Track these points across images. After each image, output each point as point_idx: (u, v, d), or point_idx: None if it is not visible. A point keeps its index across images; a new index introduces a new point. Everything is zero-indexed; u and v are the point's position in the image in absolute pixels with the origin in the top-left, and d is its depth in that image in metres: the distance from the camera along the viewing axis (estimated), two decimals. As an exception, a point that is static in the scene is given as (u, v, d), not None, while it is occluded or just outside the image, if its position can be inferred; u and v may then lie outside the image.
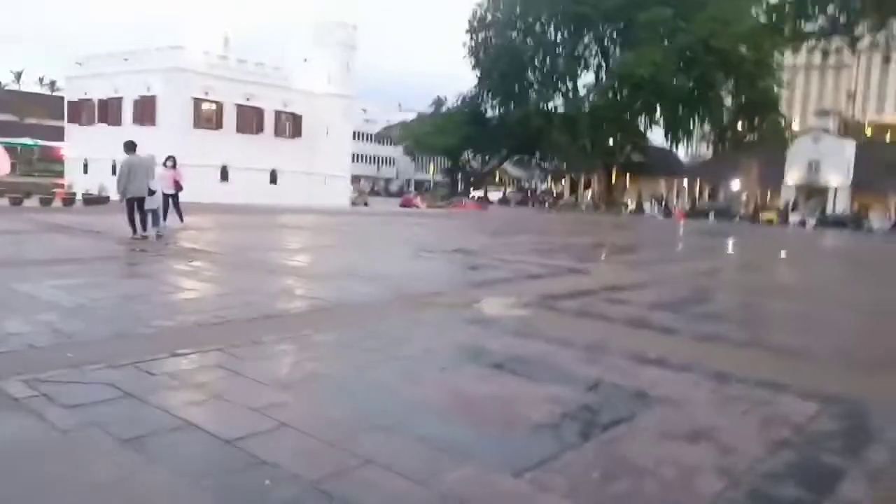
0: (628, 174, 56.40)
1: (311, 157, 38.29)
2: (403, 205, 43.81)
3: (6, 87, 69.65)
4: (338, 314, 6.69)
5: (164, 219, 14.00)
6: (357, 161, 51.94)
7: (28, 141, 58.11)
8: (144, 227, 12.74)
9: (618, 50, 52.75)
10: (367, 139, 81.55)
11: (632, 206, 52.17)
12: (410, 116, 75.79)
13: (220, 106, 35.45)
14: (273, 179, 37.54)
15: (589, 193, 58.24)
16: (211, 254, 11.64)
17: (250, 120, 36.75)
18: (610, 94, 50.61)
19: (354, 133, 48.01)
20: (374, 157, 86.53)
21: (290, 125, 38.53)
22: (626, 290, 9.46)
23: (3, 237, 12.51)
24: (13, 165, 59.44)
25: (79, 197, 24.71)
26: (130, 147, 12.68)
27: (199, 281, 8.64)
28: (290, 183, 37.21)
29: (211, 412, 3.67)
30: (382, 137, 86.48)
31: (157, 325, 5.77)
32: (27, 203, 22.37)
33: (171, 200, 14.99)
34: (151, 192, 12.84)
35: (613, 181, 56.47)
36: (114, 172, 12.63)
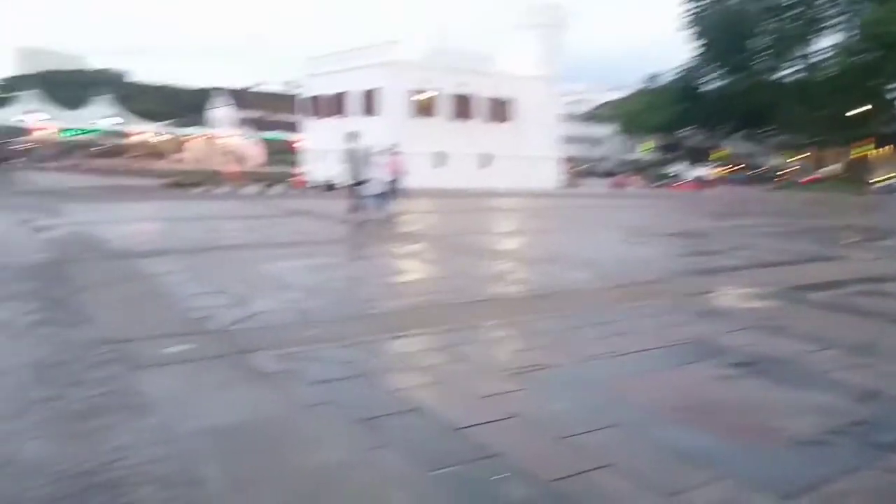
0: (877, 147, 48.90)
1: (521, 141, 38.49)
2: (616, 186, 42.37)
3: (259, 90, 79.42)
4: (554, 301, 6.48)
5: (386, 204, 14.84)
6: (567, 142, 51.14)
7: (273, 134, 65.89)
8: (363, 211, 13.66)
9: (862, 6, 45.62)
10: (576, 119, 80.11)
11: (882, 182, 45.18)
12: (621, 95, 72.98)
13: (435, 96, 36.98)
14: (484, 163, 38.37)
15: (828, 169, 51.58)
16: (428, 237, 12.08)
17: (463, 107, 37.89)
18: (854, 58, 44.06)
19: (564, 114, 47.34)
20: (585, 138, 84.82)
21: (500, 110, 39.04)
22: (888, 282, 8.08)
23: (253, 221, 14.13)
24: (261, 156, 67.68)
25: (314, 184, 27.30)
26: (352, 137, 13.70)
27: (417, 263, 8.97)
28: (501, 167, 37.76)
29: (438, 396, 3.66)
30: (593, 117, 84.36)
31: (382, 305, 6.02)
32: (273, 190, 25.25)
33: (391, 186, 15.87)
34: (368, 180, 13.72)
35: (859, 155, 49.35)
36: (345, 161, 13.58)
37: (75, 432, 3.09)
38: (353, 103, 38.11)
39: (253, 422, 3.32)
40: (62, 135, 62.89)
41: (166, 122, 73.55)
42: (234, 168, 30.85)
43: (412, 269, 8.51)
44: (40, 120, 65.23)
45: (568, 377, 4.08)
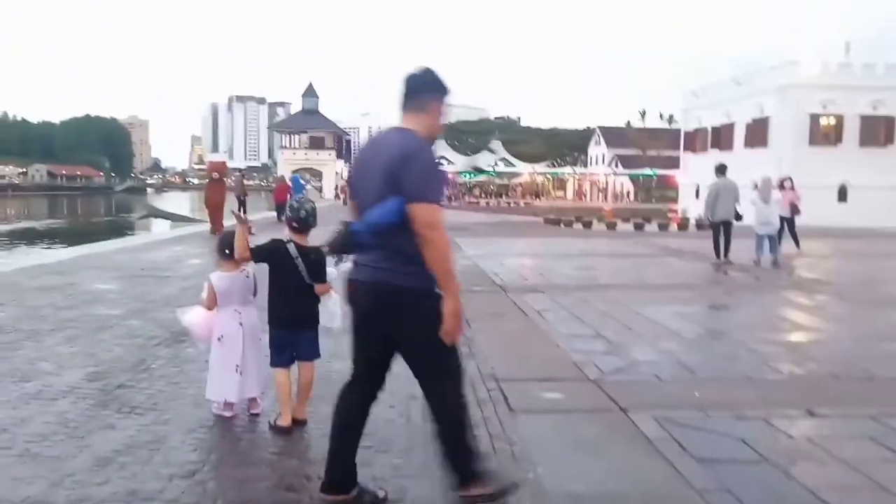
0: None
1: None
2: None
3: (634, 126, 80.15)
4: None
5: (778, 245, 13.11)
6: None
7: (647, 171, 65.34)
8: (727, 253, 12.30)
9: None
10: None
11: None
12: None
13: (839, 119, 32.15)
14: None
15: None
16: (833, 286, 10.21)
17: (876, 131, 32.11)
18: None
19: None
20: None
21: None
22: None
23: (628, 260, 13.83)
24: (634, 193, 67.63)
25: (692, 221, 25.95)
26: (721, 170, 12.54)
27: (824, 320, 7.53)
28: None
29: (875, 511, 2.78)
30: None
31: (783, 369, 5.08)
32: (647, 228, 24.74)
33: (786, 224, 14.00)
34: (738, 217, 12.33)
35: None
36: (714, 197, 12.49)
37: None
38: (737, 134, 35.46)
39: (636, 496, 2.93)
40: (462, 177, 72.33)
41: (548, 162, 78.99)
42: (609, 205, 31.30)
43: (818, 325, 7.17)
44: (447, 165, 76.29)
45: None
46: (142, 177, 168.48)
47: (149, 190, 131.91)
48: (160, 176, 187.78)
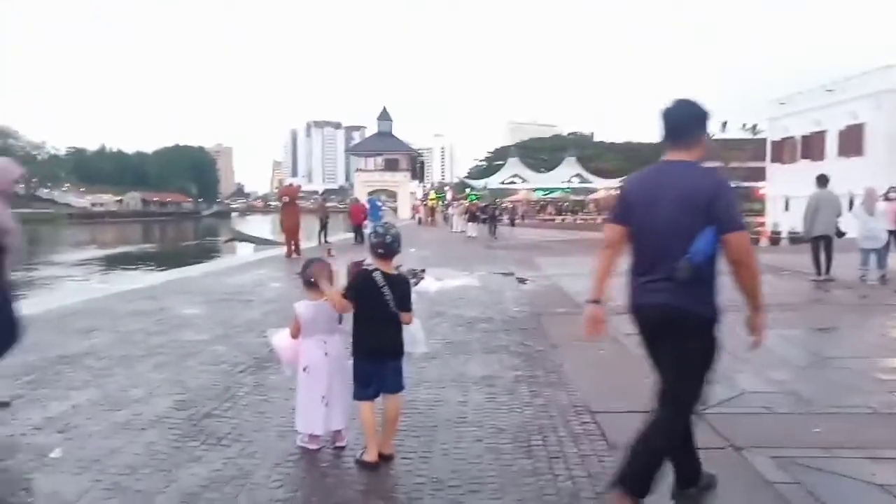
0: None
1: None
2: None
3: (714, 137, 77.39)
4: None
5: (885, 260, 12.13)
6: None
7: (730, 183, 62.81)
8: (828, 270, 11.38)
9: None
10: None
11: None
12: None
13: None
14: None
15: None
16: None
17: None
18: None
19: None
20: None
21: None
22: None
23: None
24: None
25: (783, 235, 24.64)
26: (822, 181, 11.62)
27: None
28: None
29: None
30: None
31: (912, 402, 4.55)
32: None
33: (893, 238, 12.96)
34: (840, 234, 11.41)
35: None
36: (813, 209, 11.61)
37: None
38: (828, 143, 33.59)
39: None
40: (536, 194, 71.67)
41: (623, 177, 77.36)
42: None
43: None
44: (520, 182, 75.84)
45: None
46: (226, 201, 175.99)
47: (233, 214, 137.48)
48: (244, 200, 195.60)
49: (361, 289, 3.43)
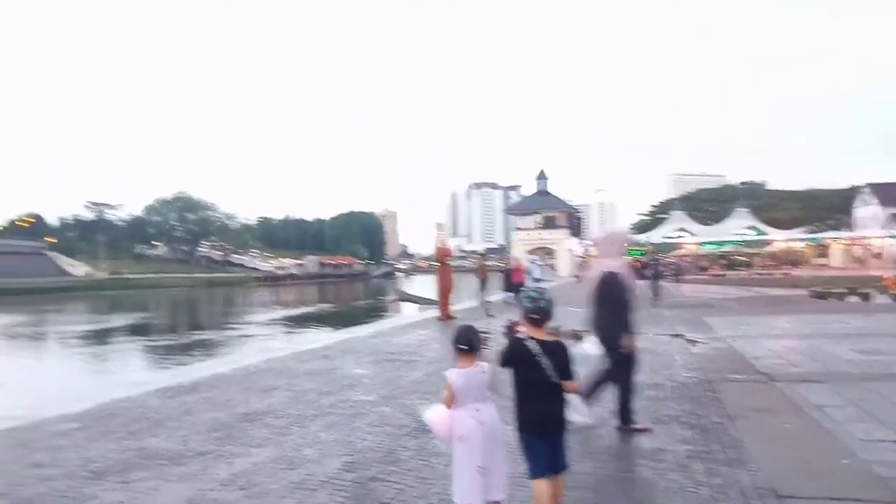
0: None
1: None
2: None
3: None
4: None
5: None
6: None
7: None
8: None
9: None
10: None
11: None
12: None
13: None
14: None
15: None
16: None
17: None
18: None
19: None
20: None
21: None
22: None
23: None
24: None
25: None
26: None
27: None
28: None
29: None
30: None
31: None
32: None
33: None
34: None
35: None
36: None
37: None
38: None
39: None
40: (704, 248, 67.71)
41: (804, 227, 70.95)
42: (890, 273, 26.81)
43: None
44: (685, 236, 72.21)
45: None
46: (393, 263, 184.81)
47: (399, 274, 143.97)
48: (408, 261, 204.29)
49: (514, 359, 3.37)
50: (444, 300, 17.03)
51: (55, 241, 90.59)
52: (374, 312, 37.08)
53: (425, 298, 34.51)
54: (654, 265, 28.99)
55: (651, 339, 11.71)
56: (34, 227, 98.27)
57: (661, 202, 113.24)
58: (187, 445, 5.29)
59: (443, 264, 17.85)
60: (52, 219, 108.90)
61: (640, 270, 28.23)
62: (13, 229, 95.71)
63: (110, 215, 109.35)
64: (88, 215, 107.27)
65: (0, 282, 57.52)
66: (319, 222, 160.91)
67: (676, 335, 12.49)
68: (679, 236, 73.29)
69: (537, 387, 3.32)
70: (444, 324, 15.51)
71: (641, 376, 8.15)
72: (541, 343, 3.36)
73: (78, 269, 75.85)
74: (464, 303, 22.29)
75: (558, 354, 3.37)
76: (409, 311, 31.05)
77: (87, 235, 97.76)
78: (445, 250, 18.86)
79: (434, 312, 18.34)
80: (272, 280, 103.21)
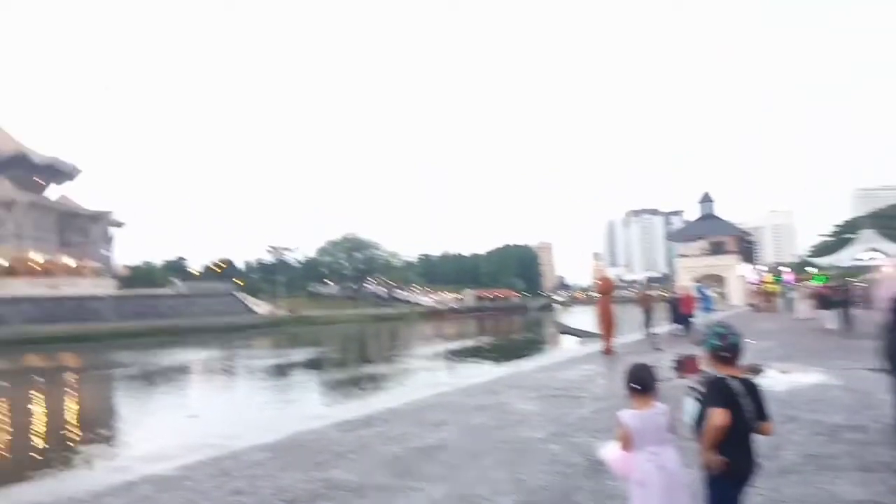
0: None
1: None
2: None
3: None
4: None
5: None
6: None
7: None
8: None
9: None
10: None
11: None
12: None
13: None
14: None
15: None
16: None
17: None
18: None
19: None
20: None
21: None
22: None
23: None
24: None
25: None
26: None
27: None
28: None
29: None
30: None
31: None
32: None
33: None
34: None
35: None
36: None
37: None
38: None
39: None
40: (904, 270, 60.09)
41: None
42: None
43: None
44: (879, 258, 64.62)
45: None
46: (550, 294, 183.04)
47: (556, 307, 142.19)
48: (565, 293, 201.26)
49: (724, 401, 3.14)
50: (606, 333, 16.53)
51: (243, 283, 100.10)
52: (535, 345, 36.80)
53: (586, 332, 33.71)
54: (842, 291, 26.13)
55: (847, 374, 10.56)
56: (225, 271, 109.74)
57: (847, 221, 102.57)
58: (367, 478, 5.55)
59: (604, 295, 17.35)
60: (239, 262, 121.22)
61: (825, 298, 25.53)
62: (209, 273, 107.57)
63: (288, 257, 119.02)
64: (269, 258, 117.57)
65: (199, 321, 64.31)
66: (476, 257, 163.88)
67: (878, 370, 11.13)
68: (871, 258, 65.74)
69: (738, 430, 3.11)
70: (609, 358, 15.03)
71: (840, 416, 7.38)
72: (741, 382, 3.17)
73: (261, 307, 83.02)
74: (627, 335, 21.45)
75: (754, 394, 3.16)
76: (570, 344, 30.45)
77: (268, 277, 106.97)
78: (608, 282, 18.29)
79: (596, 346, 17.83)
80: (433, 314, 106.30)
